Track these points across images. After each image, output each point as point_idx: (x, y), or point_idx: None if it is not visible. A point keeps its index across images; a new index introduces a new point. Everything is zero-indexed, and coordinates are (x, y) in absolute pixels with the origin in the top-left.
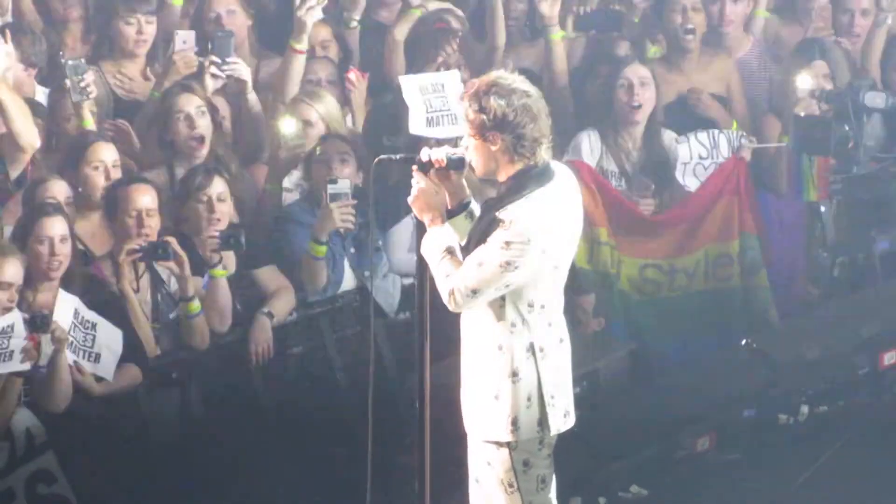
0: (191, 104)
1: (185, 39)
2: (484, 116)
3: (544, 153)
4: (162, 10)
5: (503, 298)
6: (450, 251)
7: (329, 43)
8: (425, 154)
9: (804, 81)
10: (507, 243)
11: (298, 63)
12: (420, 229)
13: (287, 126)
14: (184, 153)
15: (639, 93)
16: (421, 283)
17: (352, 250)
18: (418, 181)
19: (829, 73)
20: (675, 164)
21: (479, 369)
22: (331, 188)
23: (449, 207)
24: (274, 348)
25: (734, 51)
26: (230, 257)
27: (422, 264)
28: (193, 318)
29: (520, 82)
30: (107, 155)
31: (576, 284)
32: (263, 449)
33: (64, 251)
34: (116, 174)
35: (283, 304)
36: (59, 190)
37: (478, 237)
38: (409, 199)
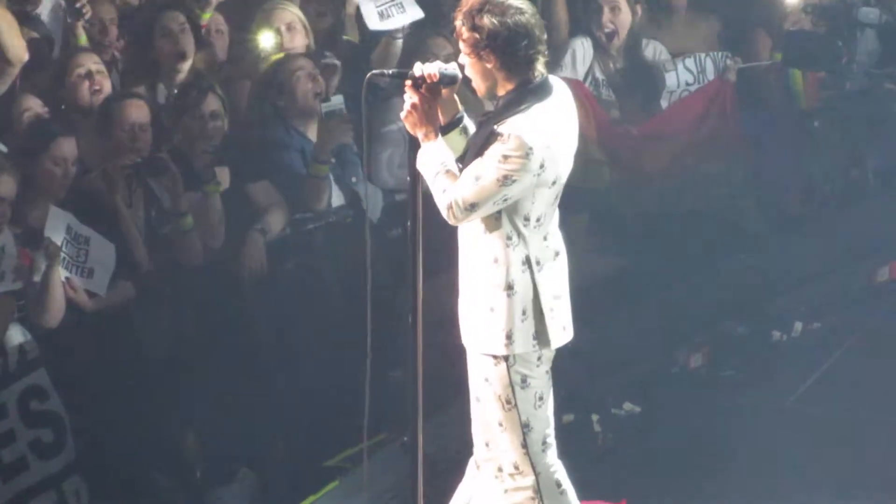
0: (174, 21)
1: None
2: (477, 35)
3: (541, 67)
4: None
5: (500, 212)
6: (445, 165)
7: None
8: (418, 69)
9: None
10: (505, 157)
11: None
12: (413, 145)
13: (266, 39)
14: (165, 70)
15: (609, 19)
16: (413, 198)
17: (332, 160)
18: (411, 96)
19: None
20: (661, 91)
21: (474, 282)
22: (325, 106)
23: (442, 123)
24: (267, 264)
25: None
26: (224, 173)
27: (414, 179)
28: (186, 234)
29: None
30: (91, 64)
31: (569, 202)
32: (256, 365)
33: (73, 174)
34: (106, 85)
35: (275, 220)
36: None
37: (475, 151)
38: (402, 115)
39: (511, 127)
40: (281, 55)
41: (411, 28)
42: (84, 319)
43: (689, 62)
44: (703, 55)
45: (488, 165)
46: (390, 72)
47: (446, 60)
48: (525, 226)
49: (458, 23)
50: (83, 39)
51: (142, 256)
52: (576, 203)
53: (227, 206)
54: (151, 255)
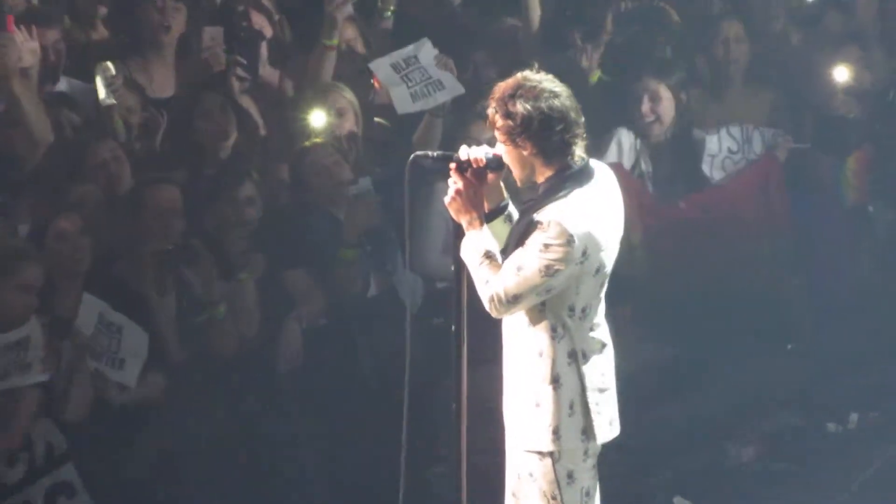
0: (214, 102)
1: (213, 36)
2: (511, 122)
3: (580, 152)
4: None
5: (543, 303)
6: (489, 255)
7: (355, 41)
8: (464, 153)
9: (840, 74)
10: (547, 246)
11: (329, 60)
12: (457, 231)
13: (318, 118)
14: (207, 152)
15: (650, 107)
16: (458, 286)
17: (368, 248)
18: (456, 181)
19: (865, 61)
20: (701, 155)
21: (519, 376)
22: (353, 189)
23: (486, 210)
24: (303, 354)
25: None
26: (258, 260)
27: (459, 267)
28: (220, 323)
29: (547, 82)
30: (107, 152)
31: (612, 291)
32: (293, 460)
33: (85, 246)
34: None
35: (312, 309)
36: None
37: (516, 240)
38: (447, 200)
39: (551, 214)
40: (319, 140)
41: (452, 110)
42: (114, 412)
43: (734, 129)
44: (749, 126)
45: (530, 255)
46: (434, 154)
47: (490, 145)
48: (570, 317)
49: (490, 110)
50: (119, 125)
51: (174, 346)
52: (619, 291)
53: (261, 293)
54: (183, 345)
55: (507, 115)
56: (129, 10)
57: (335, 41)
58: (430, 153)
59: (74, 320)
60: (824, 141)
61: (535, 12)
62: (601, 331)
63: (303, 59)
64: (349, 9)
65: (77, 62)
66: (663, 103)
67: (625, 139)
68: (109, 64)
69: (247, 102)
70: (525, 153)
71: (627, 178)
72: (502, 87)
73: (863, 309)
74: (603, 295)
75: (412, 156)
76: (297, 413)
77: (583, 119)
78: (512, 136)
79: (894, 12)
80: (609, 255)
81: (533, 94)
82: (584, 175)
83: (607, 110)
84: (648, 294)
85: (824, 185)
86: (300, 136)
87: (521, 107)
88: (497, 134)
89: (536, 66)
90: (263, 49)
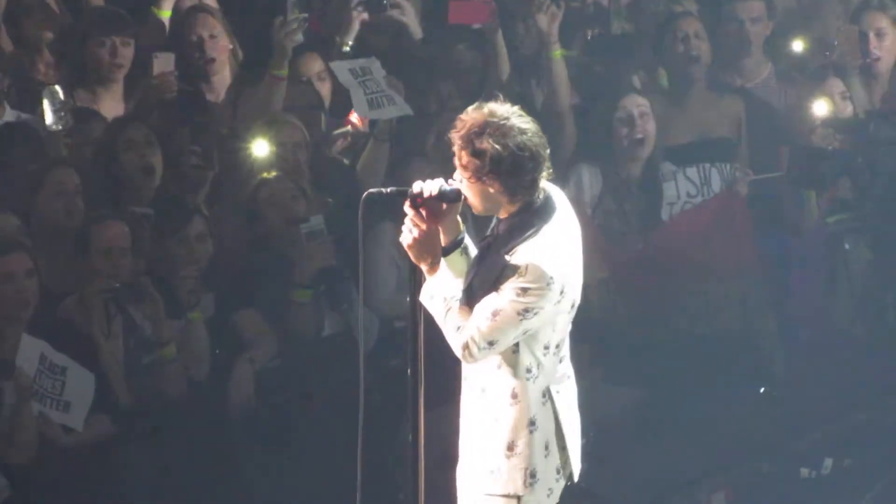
0: (138, 133)
1: (164, 62)
2: (478, 160)
3: (543, 184)
4: (142, 28)
5: (517, 343)
6: (455, 299)
7: (325, 73)
8: (417, 186)
9: (819, 108)
10: (524, 290)
11: (279, 90)
12: (412, 269)
13: (271, 151)
14: (131, 187)
15: (640, 125)
16: (414, 327)
17: (322, 287)
18: (414, 223)
19: (846, 94)
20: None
21: (488, 419)
22: (304, 227)
23: (443, 244)
24: (255, 396)
25: (750, 78)
26: (208, 299)
27: (415, 307)
28: (169, 364)
29: (514, 117)
30: (69, 181)
31: (574, 330)
32: None
33: (31, 288)
34: (79, 203)
35: (264, 350)
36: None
37: (488, 283)
38: (404, 242)
39: (525, 257)
40: (272, 174)
41: (401, 139)
42: (60, 455)
43: (692, 171)
44: (707, 165)
45: (506, 299)
46: (388, 190)
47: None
48: (545, 354)
49: (456, 145)
50: (65, 153)
51: (121, 388)
52: (581, 331)
53: (212, 334)
54: (131, 387)
55: (475, 152)
56: (77, 44)
57: (284, 71)
58: (383, 189)
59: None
60: (801, 174)
61: (502, 49)
62: (566, 362)
63: (254, 89)
64: (299, 37)
65: (21, 89)
66: (648, 119)
67: (586, 175)
68: (57, 88)
69: (199, 135)
70: (491, 191)
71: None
72: (468, 122)
73: (837, 351)
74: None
75: (366, 193)
76: (249, 457)
77: (548, 151)
78: (478, 174)
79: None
80: (579, 288)
81: (501, 131)
82: (548, 208)
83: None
84: (610, 334)
85: (798, 221)
86: (256, 168)
87: (489, 144)
88: (461, 170)
89: (501, 97)
90: (215, 78)
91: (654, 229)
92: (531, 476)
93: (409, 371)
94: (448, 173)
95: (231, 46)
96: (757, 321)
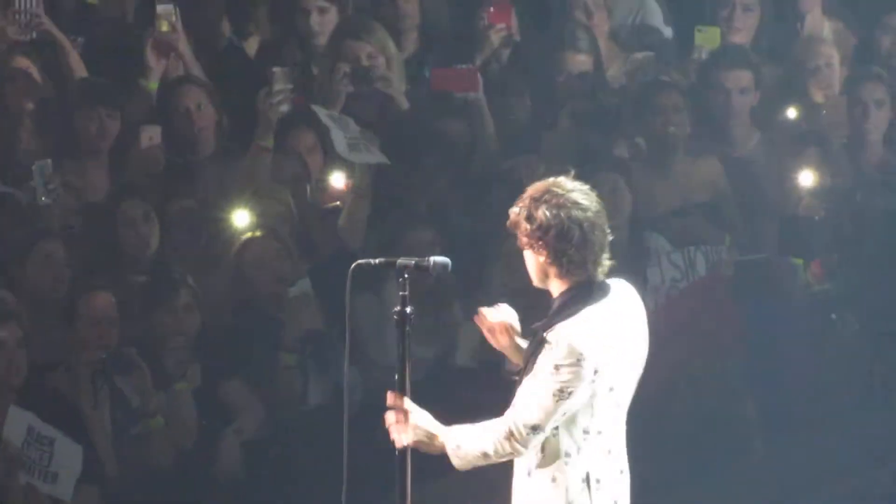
0: (136, 210)
1: (151, 135)
2: (529, 225)
3: (598, 271)
4: (129, 100)
5: (556, 427)
6: (469, 431)
7: (316, 148)
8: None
9: (805, 178)
10: (557, 367)
11: (263, 160)
12: (401, 333)
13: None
14: (129, 260)
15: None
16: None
17: (308, 349)
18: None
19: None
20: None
21: (533, 502)
22: (292, 291)
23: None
24: (242, 467)
25: (738, 146)
26: (194, 370)
27: (402, 375)
28: (156, 435)
29: (577, 192)
30: (57, 249)
31: None
32: None
33: (21, 357)
34: (66, 273)
35: (250, 420)
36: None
37: (526, 361)
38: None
39: (560, 334)
40: (255, 234)
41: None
42: None
43: (676, 256)
44: (692, 248)
45: (541, 380)
46: (376, 261)
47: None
48: (585, 439)
49: (515, 209)
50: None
51: (109, 459)
52: None
53: (199, 404)
54: (119, 458)
55: (528, 217)
56: (63, 115)
57: (269, 142)
58: (371, 261)
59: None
60: (788, 245)
61: (488, 118)
62: (618, 455)
63: (239, 160)
64: (285, 107)
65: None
66: (624, 197)
67: None
68: (48, 161)
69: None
70: (541, 259)
71: None
72: (533, 188)
73: (821, 423)
74: (621, 417)
75: (354, 264)
76: None
77: (609, 240)
78: (530, 240)
79: (860, 114)
80: (625, 375)
81: (558, 201)
82: (598, 292)
83: None
84: None
85: (783, 293)
86: (240, 230)
87: (542, 212)
88: (518, 234)
89: (573, 172)
90: (201, 149)
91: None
92: None
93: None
94: (441, 240)
95: (217, 118)
96: (740, 397)
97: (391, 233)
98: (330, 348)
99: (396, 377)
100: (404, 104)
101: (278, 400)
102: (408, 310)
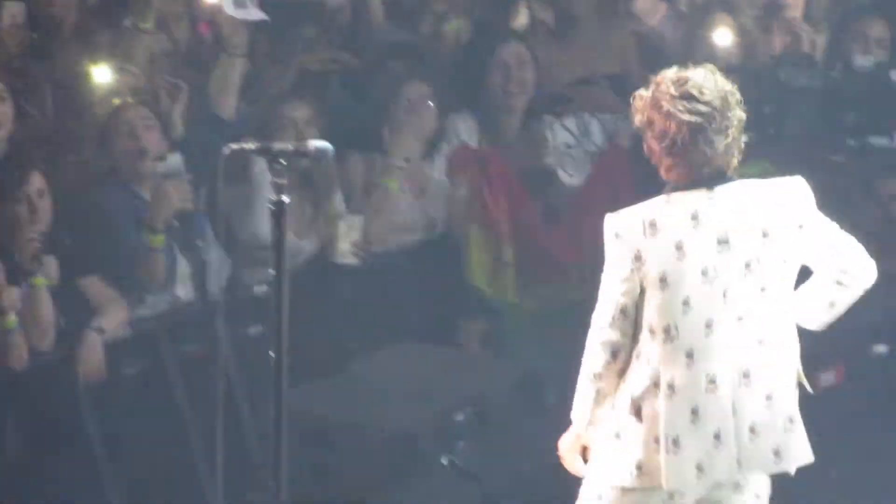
0: None
1: (13, 13)
2: (639, 116)
3: (702, 172)
4: None
5: (629, 323)
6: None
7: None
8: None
9: (715, 48)
10: (606, 248)
11: (143, 42)
12: (276, 217)
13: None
14: None
15: (516, 75)
16: (278, 291)
17: (175, 225)
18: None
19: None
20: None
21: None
22: (161, 166)
23: None
24: (106, 369)
25: (646, 18)
26: (52, 264)
27: (280, 271)
28: (9, 335)
29: (694, 82)
30: None
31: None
32: (92, 487)
33: None
34: None
35: (113, 317)
36: None
37: None
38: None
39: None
40: (127, 100)
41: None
42: None
43: (569, 121)
44: (587, 115)
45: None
46: (251, 146)
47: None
48: (652, 338)
49: (642, 90)
50: None
51: None
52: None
53: (57, 301)
54: None
55: (637, 108)
56: None
57: (148, 24)
58: (245, 146)
59: None
60: None
61: None
62: (711, 362)
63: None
64: None
65: None
66: (527, 67)
67: (462, 127)
68: None
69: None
70: (649, 144)
71: (500, 174)
72: (661, 75)
73: None
74: (717, 320)
75: (226, 149)
76: (99, 434)
77: (726, 141)
78: (642, 128)
79: None
80: (692, 270)
81: (669, 94)
82: (682, 186)
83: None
84: (512, 312)
85: None
86: (108, 95)
87: (665, 103)
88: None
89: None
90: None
91: (547, 186)
92: (637, 468)
93: (272, 352)
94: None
95: None
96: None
97: (265, 107)
98: (199, 230)
99: (272, 272)
100: None
101: (142, 284)
102: (284, 199)
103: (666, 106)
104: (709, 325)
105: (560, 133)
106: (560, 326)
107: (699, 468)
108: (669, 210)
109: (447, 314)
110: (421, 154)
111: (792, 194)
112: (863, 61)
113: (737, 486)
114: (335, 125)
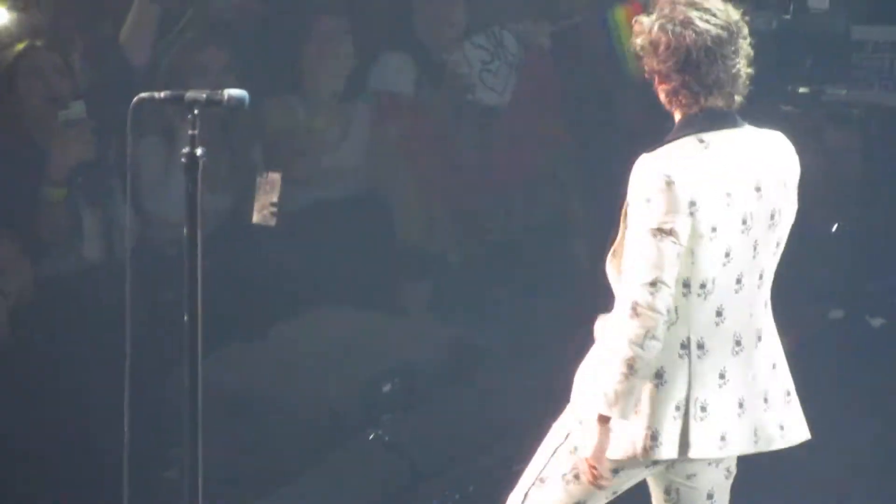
0: None
1: None
2: (640, 41)
3: (719, 103)
4: None
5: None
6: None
7: None
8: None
9: None
10: (648, 200)
11: None
12: (189, 175)
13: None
14: None
15: (444, 12)
16: (191, 258)
17: (79, 180)
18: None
19: None
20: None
21: None
22: (62, 114)
23: None
24: (9, 334)
25: None
26: None
27: (193, 231)
28: None
29: (698, 10)
30: None
31: (405, 266)
32: None
33: None
34: None
35: (16, 279)
36: None
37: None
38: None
39: (642, 162)
40: (35, 43)
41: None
42: None
43: (480, 38)
44: (497, 28)
45: (636, 227)
46: (162, 95)
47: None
48: (686, 295)
49: (643, 16)
50: None
51: None
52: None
53: None
54: None
55: (640, 31)
56: None
57: None
58: (156, 94)
59: None
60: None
61: None
62: (736, 322)
63: None
64: None
65: None
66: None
67: (393, 64)
68: None
69: None
70: (654, 83)
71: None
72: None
73: None
74: (739, 273)
75: (135, 98)
76: (2, 406)
77: (737, 70)
78: (643, 58)
79: None
80: (733, 219)
81: (673, 16)
82: (707, 122)
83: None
84: (444, 273)
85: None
86: (11, 38)
87: (654, 27)
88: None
89: None
90: None
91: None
92: (652, 438)
93: (185, 316)
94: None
95: None
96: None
97: (177, 54)
98: (103, 183)
99: (185, 230)
100: None
101: (46, 249)
102: (198, 151)
103: (679, 18)
104: (739, 281)
105: (474, 52)
106: (496, 290)
107: (723, 438)
108: (710, 154)
109: (375, 275)
110: (338, 96)
111: (792, 150)
112: (818, 3)
113: (712, 459)
114: (250, 71)
